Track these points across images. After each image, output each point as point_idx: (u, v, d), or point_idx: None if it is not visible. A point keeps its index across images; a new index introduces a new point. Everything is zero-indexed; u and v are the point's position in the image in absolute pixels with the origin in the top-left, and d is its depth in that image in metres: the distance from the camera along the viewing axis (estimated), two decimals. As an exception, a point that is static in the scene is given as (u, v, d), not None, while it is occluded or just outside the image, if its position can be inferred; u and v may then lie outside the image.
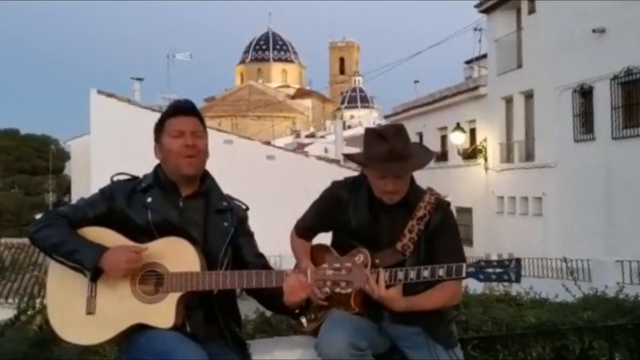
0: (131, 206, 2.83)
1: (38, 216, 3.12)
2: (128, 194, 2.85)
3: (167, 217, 2.81)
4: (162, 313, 2.69)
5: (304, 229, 3.31)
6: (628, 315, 4.42)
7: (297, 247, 3.30)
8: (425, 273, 2.86)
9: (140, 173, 2.98)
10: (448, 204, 3.20)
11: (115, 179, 2.93)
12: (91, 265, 2.68)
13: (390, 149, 2.98)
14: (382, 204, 3.12)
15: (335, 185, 3.26)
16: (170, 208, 2.83)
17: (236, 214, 2.96)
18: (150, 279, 2.74)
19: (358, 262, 2.89)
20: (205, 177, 2.96)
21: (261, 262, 2.97)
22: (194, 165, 2.87)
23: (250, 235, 3.02)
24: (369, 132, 3.13)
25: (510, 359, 4.10)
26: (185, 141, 2.83)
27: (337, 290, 2.65)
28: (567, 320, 4.33)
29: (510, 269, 2.75)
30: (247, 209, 3.04)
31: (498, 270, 2.76)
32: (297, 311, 2.89)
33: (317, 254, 3.22)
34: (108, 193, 2.87)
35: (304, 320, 3.22)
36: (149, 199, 2.83)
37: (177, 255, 2.73)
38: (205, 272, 2.72)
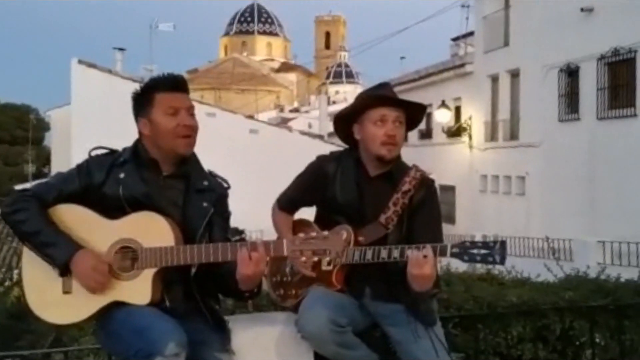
0: (108, 181, 2.75)
1: (17, 187, 3.03)
2: (107, 169, 2.77)
3: (137, 193, 2.73)
4: (138, 290, 2.64)
5: (287, 202, 3.27)
6: (609, 296, 4.44)
7: (278, 221, 3.26)
8: (408, 252, 2.82)
9: (121, 145, 2.89)
10: (432, 181, 3.17)
11: (93, 153, 2.84)
12: (61, 263, 2.63)
13: (392, 92, 3.13)
14: (367, 177, 3.11)
15: (321, 158, 3.22)
16: (142, 185, 2.75)
17: (216, 192, 2.89)
18: (126, 255, 2.68)
19: (341, 239, 2.84)
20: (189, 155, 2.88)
21: None
22: (191, 145, 2.82)
23: (225, 217, 2.92)
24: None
25: (491, 338, 4.12)
26: (182, 120, 2.75)
27: (315, 259, 2.61)
28: (548, 300, 4.35)
29: (495, 250, 2.75)
30: (228, 187, 2.96)
31: (483, 251, 2.76)
32: (247, 294, 2.81)
33: (299, 230, 3.16)
34: (85, 169, 2.78)
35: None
36: (122, 175, 2.76)
37: (150, 230, 2.68)
38: (180, 247, 2.66)
